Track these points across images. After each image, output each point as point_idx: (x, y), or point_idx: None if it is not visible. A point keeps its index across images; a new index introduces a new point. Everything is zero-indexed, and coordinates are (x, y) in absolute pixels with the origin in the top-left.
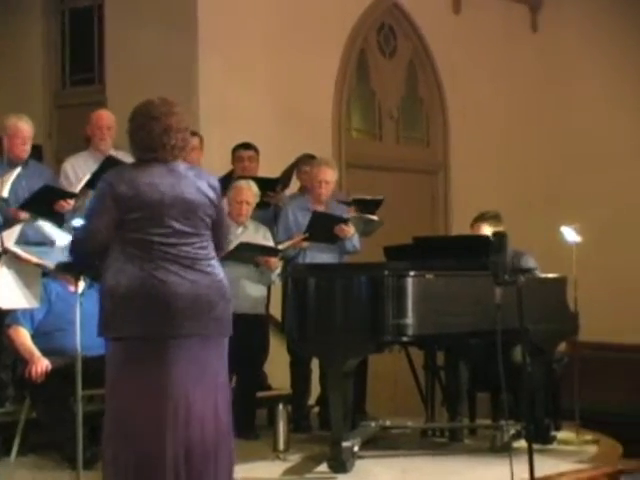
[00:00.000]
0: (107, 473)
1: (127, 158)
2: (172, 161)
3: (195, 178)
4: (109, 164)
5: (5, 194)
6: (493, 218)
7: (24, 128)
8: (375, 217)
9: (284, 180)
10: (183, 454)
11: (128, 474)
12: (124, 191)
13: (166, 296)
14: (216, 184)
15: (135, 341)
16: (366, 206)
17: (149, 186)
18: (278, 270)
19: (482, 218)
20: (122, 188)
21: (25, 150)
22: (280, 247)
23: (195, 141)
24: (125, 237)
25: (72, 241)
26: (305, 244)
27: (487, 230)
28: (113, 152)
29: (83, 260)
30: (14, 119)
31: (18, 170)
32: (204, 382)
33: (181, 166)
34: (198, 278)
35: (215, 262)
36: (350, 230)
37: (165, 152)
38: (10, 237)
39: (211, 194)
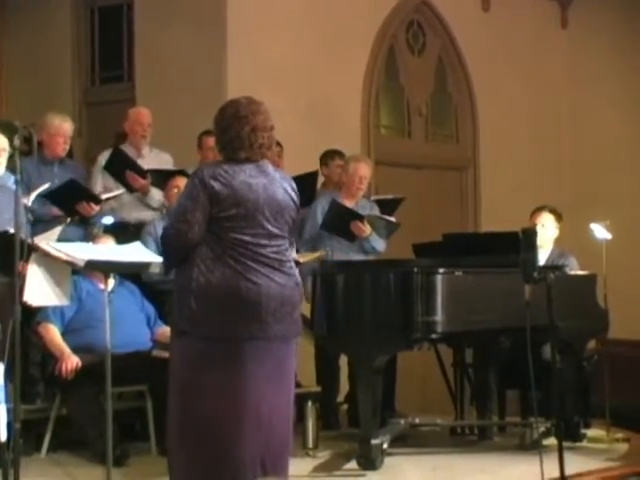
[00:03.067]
0: (182, 474)
1: (162, 156)
2: (260, 161)
3: (281, 179)
4: (118, 156)
5: (29, 203)
6: (558, 213)
7: (67, 127)
8: (392, 218)
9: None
10: (260, 454)
11: (208, 475)
12: (218, 188)
13: (258, 298)
14: (294, 185)
15: (222, 341)
16: (386, 206)
17: (244, 184)
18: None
19: (546, 208)
20: (216, 185)
21: (64, 149)
22: (301, 260)
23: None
24: (215, 235)
25: (163, 236)
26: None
27: (548, 220)
28: (148, 149)
29: (174, 255)
30: (58, 119)
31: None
32: (283, 383)
33: (269, 166)
34: (284, 280)
35: (294, 263)
36: (365, 229)
37: (253, 151)
38: (51, 238)
39: (294, 196)
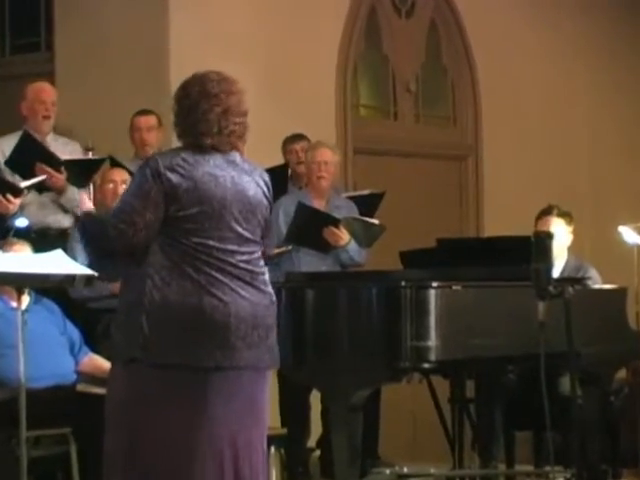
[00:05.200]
0: None
1: (70, 145)
2: (229, 151)
3: (252, 171)
4: (28, 142)
5: None
6: (567, 215)
7: None
8: (375, 220)
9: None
10: None
11: None
12: (177, 181)
13: (226, 319)
14: (267, 178)
15: (182, 371)
16: (363, 205)
17: (208, 177)
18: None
19: (554, 211)
20: (174, 177)
21: None
22: None
23: (152, 120)
24: (172, 239)
25: (92, 236)
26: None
27: (558, 226)
28: (52, 137)
29: (103, 262)
30: None
31: None
32: (255, 423)
33: (237, 156)
34: (258, 298)
35: (267, 277)
36: (342, 236)
37: (222, 139)
38: None
39: (267, 192)
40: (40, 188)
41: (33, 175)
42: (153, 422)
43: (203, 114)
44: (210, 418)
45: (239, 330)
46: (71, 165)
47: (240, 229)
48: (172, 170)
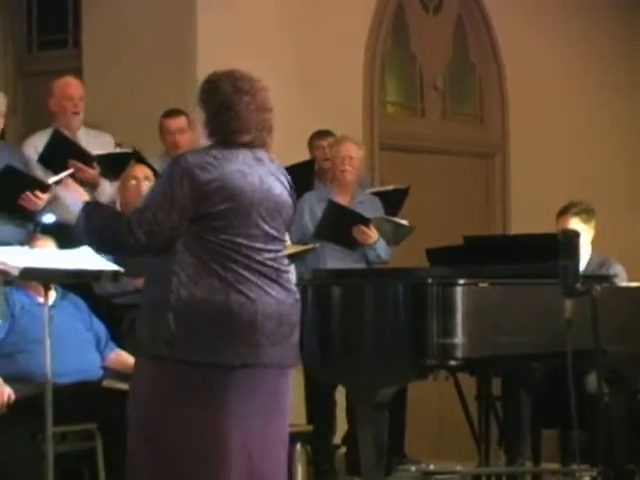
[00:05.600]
0: None
1: (101, 138)
2: (259, 147)
3: (277, 170)
4: (59, 140)
5: None
6: (585, 212)
7: None
8: (404, 221)
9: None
10: None
11: None
12: (207, 179)
13: (253, 317)
14: (290, 179)
15: (208, 368)
16: (387, 201)
17: (238, 174)
18: (293, 277)
19: (571, 210)
20: (204, 176)
21: None
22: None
23: (183, 122)
24: (200, 237)
25: (119, 231)
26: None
27: (575, 225)
28: (84, 131)
29: (120, 257)
30: None
31: None
32: (277, 420)
33: (264, 154)
34: (283, 296)
35: (292, 276)
36: (372, 235)
37: (253, 136)
38: None
39: (290, 190)
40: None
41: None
42: (177, 419)
43: (237, 111)
44: (233, 415)
45: (265, 328)
46: (103, 159)
47: (267, 227)
48: (202, 168)
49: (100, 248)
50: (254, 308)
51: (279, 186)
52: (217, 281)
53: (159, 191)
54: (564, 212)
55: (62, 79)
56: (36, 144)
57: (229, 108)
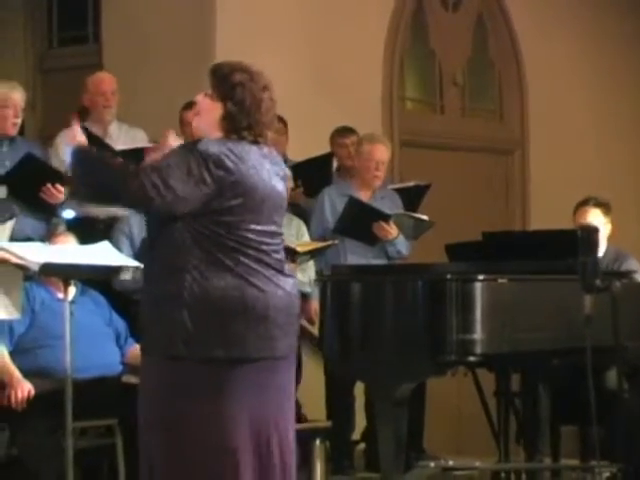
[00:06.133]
0: None
1: (134, 132)
2: (263, 143)
3: (278, 164)
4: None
5: None
6: (604, 205)
7: (16, 97)
8: (424, 216)
9: (302, 170)
10: None
11: None
12: (224, 174)
13: (266, 310)
14: (286, 169)
15: (227, 364)
16: (408, 196)
17: (253, 170)
18: (312, 274)
19: (590, 202)
20: (222, 167)
21: (15, 124)
22: (299, 249)
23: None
24: (211, 232)
25: (118, 173)
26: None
27: (596, 217)
28: (116, 125)
29: (127, 206)
30: (4, 87)
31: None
32: (287, 410)
33: (267, 149)
34: (289, 286)
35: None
36: (391, 231)
37: (264, 133)
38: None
39: (285, 185)
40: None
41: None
42: (196, 416)
43: (257, 107)
44: (250, 408)
45: (277, 320)
46: (128, 154)
47: (273, 222)
48: (219, 159)
49: (95, 192)
50: (266, 301)
51: (280, 182)
52: (230, 276)
53: (175, 162)
54: (583, 204)
55: (96, 75)
56: (66, 139)
57: (259, 106)
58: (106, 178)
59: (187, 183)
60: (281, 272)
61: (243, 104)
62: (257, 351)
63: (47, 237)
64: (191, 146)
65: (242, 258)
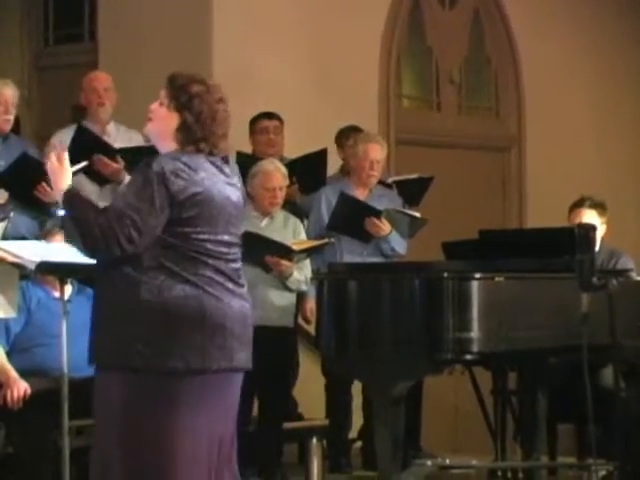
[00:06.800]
0: None
1: (131, 134)
2: (217, 154)
3: (232, 175)
4: (83, 135)
5: None
6: (600, 206)
7: (8, 93)
8: (416, 213)
9: (297, 167)
10: None
11: None
12: (181, 187)
13: (223, 320)
14: (239, 178)
15: (186, 376)
16: (410, 190)
17: (208, 182)
18: (308, 272)
19: (586, 203)
20: (179, 182)
21: (8, 121)
22: (295, 248)
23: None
24: (168, 243)
25: (94, 237)
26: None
27: (591, 218)
28: (113, 126)
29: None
30: None
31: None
32: (233, 425)
33: (219, 160)
34: (244, 297)
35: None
36: (383, 227)
37: (218, 144)
38: None
39: (241, 194)
40: (100, 180)
41: (91, 167)
42: (154, 427)
43: (213, 119)
44: (208, 420)
45: (234, 330)
46: (127, 153)
47: (229, 232)
48: (176, 175)
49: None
50: (224, 311)
51: (235, 192)
52: (188, 286)
53: (136, 194)
54: (579, 205)
55: (91, 73)
56: (62, 138)
57: (214, 118)
58: (88, 235)
59: (152, 214)
60: (237, 283)
61: (200, 115)
62: (216, 362)
63: (42, 236)
64: (146, 168)
65: (200, 268)
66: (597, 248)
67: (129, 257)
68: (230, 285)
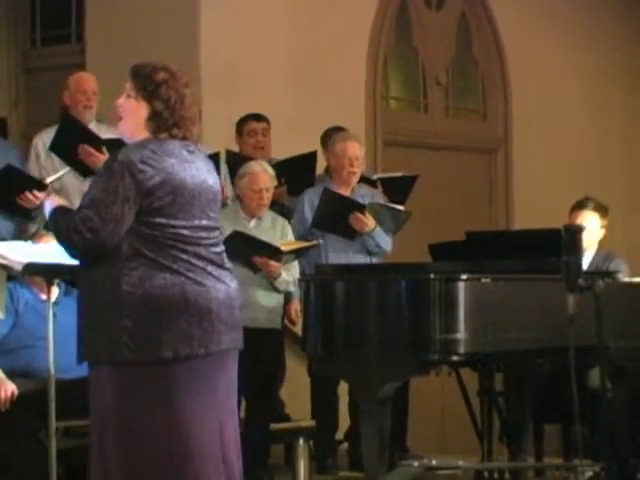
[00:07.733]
0: None
1: (110, 134)
2: (189, 139)
3: (206, 159)
4: (69, 125)
5: None
6: (602, 209)
7: None
8: (400, 207)
9: (286, 169)
10: None
11: None
12: (150, 174)
13: (209, 304)
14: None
15: (171, 363)
16: (394, 188)
17: (179, 167)
18: (296, 273)
19: (589, 205)
20: (147, 171)
21: None
22: (284, 249)
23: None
24: (145, 233)
25: (67, 231)
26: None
27: (591, 220)
28: (95, 125)
29: (89, 258)
30: None
31: None
32: (234, 409)
33: (194, 146)
34: (229, 279)
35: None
36: (368, 222)
37: (190, 129)
38: None
39: (218, 178)
40: (84, 172)
41: (76, 157)
42: (150, 419)
43: (181, 104)
44: (202, 406)
45: (220, 313)
46: (113, 144)
47: (207, 217)
48: (143, 163)
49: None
50: (208, 295)
51: (211, 176)
52: (169, 274)
53: (101, 188)
54: (581, 206)
55: (77, 74)
56: (45, 139)
57: (182, 102)
58: (59, 229)
59: (116, 203)
60: (221, 266)
61: (169, 102)
62: (204, 346)
63: (27, 235)
64: (113, 160)
65: (180, 255)
66: (593, 251)
67: (109, 253)
68: (212, 269)
